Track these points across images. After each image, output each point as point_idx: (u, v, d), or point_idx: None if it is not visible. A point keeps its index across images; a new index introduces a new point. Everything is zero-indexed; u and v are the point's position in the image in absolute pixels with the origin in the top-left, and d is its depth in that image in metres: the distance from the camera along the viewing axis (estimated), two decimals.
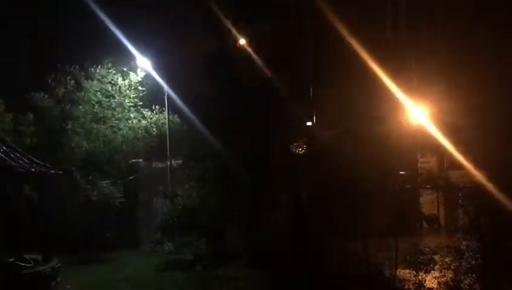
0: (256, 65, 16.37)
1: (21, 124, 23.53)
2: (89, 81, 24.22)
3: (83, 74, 24.09)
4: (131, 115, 24.80)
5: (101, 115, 24.39)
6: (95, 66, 24.19)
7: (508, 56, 15.00)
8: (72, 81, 24.01)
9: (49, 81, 23.74)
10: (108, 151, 24.14)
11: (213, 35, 17.80)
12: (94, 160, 23.77)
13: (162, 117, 24.95)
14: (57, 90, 23.90)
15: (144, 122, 25.00)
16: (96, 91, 24.28)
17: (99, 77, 24.35)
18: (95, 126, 24.18)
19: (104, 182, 23.02)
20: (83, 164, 23.33)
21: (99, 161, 23.95)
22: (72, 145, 23.51)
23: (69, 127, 23.67)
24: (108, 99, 24.56)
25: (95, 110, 24.31)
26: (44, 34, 25.76)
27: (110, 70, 24.46)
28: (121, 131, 24.49)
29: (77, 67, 23.93)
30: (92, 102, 24.26)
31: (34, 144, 22.87)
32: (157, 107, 25.00)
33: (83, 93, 24.15)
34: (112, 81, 24.53)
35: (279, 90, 16.58)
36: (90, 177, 23.00)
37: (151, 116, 25.09)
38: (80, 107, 24.05)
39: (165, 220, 21.08)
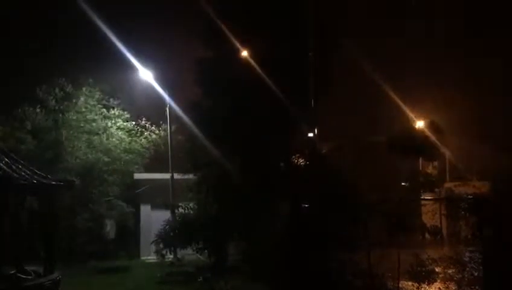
0: (256, 75, 16.36)
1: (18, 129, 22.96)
2: (77, 90, 24.05)
3: (70, 85, 23.86)
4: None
5: (94, 124, 24.32)
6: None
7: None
8: (61, 92, 23.75)
9: (38, 92, 23.38)
10: (109, 162, 23.92)
11: (212, 45, 17.81)
12: (95, 171, 23.56)
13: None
14: (47, 101, 23.60)
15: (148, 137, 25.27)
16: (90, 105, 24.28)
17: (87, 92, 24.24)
18: (93, 137, 24.08)
19: (111, 198, 22.88)
20: (85, 175, 23.00)
21: (102, 171, 23.73)
22: (74, 155, 23.30)
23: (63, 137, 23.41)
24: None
25: (87, 118, 24.15)
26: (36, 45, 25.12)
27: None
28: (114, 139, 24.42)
29: (64, 79, 23.67)
30: (83, 110, 24.16)
31: (32, 153, 22.33)
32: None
33: (74, 101, 24.01)
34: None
35: (280, 101, 16.55)
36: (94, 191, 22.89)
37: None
38: (72, 114, 23.79)
39: (166, 232, 21.03)
